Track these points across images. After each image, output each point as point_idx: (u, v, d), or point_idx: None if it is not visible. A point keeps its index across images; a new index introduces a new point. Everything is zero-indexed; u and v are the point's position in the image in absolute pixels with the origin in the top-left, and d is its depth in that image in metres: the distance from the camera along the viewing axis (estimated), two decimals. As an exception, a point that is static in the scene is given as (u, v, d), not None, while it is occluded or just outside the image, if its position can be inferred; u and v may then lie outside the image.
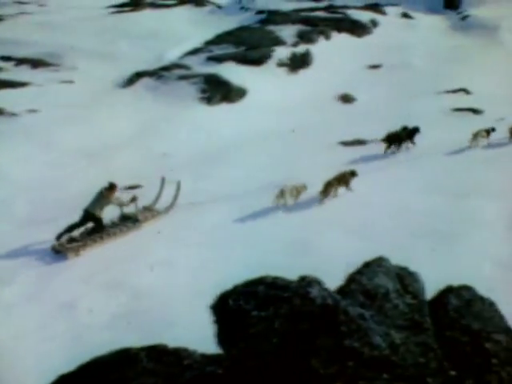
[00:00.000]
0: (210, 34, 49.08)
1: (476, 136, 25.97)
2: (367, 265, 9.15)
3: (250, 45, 45.05)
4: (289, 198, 22.01)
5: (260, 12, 56.65)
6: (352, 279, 8.81)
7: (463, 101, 33.68)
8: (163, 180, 23.28)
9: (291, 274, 8.63)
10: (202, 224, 20.75)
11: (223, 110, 35.97)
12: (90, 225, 20.68)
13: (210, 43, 47.24)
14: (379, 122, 30.88)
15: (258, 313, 7.80)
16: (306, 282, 8.14)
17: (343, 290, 8.59)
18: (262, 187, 23.53)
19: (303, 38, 46.39)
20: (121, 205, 21.47)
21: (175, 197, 22.93)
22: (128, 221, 21.65)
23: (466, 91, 36.07)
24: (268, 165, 25.04)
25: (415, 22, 51.73)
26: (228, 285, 8.48)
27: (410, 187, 22.38)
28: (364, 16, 51.25)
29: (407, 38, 47.65)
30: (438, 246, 17.81)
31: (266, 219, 20.61)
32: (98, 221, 20.64)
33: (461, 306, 9.01)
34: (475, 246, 17.54)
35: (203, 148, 26.55)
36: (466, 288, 9.46)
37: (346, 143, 28.07)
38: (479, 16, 50.04)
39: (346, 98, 37.67)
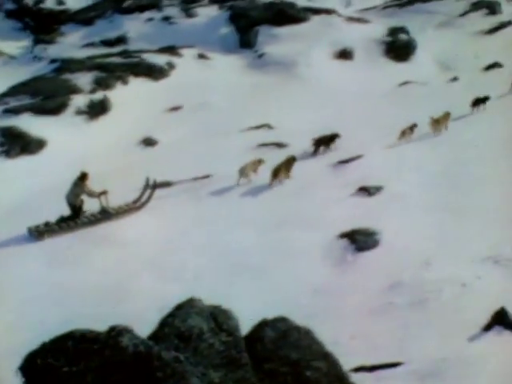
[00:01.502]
0: (4, 86, 47.59)
1: (404, 133, 29.57)
2: (179, 307, 9.08)
3: (46, 94, 43.91)
4: (250, 173, 25.84)
5: (54, 61, 55.61)
6: (165, 323, 8.71)
7: (267, 136, 34.43)
8: (148, 180, 25.62)
9: (103, 324, 8.39)
10: (5, 280, 20.00)
11: (23, 162, 34.95)
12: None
13: (4, 95, 45.67)
14: (183, 163, 31.12)
15: (69, 368, 7.55)
16: (116, 332, 7.94)
17: (156, 335, 8.46)
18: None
19: (100, 84, 45.84)
20: (90, 195, 23.74)
21: (150, 195, 25.28)
22: (99, 214, 24.12)
23: (269, 126, 36.90)
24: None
25: (212, 63, 52.58)
26: (36, 343, 8.14)
27: (219, 224, 22.56)
28: (160, 59, 51.42)
29: (205, 79, 48.28)
30: (254, 280, 18.05)
31: (77, 268, 20.18)
32: (74, 209, 23.48)
33: (277, 338, 9.12)
34: (292, 276, 17.99)
35: (5, 202, 25.66)
36: (281, 319, 9.60)
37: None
38: (275, 53, 51.58)
39: (148, 142, 37.57)
